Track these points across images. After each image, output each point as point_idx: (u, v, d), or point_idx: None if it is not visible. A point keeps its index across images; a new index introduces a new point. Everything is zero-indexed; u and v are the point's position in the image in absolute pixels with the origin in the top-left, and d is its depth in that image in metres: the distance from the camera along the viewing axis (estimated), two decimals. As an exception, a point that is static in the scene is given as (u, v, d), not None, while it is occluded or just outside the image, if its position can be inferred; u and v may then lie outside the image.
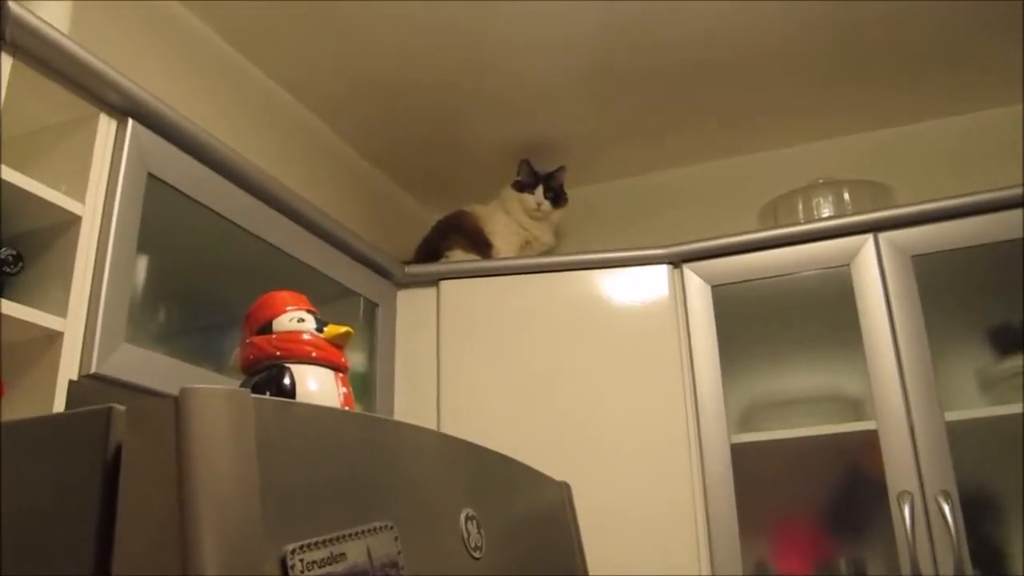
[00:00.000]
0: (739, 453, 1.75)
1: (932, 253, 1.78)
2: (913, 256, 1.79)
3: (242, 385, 1.10)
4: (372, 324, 1.94)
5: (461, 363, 1.92)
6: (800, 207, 1.98)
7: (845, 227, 1.84)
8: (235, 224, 1.57)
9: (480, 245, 2.18)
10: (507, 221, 2.22)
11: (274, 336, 1.10)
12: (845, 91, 2.18)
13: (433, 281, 2.00)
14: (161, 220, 1.44)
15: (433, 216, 2.38)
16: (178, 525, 0.60)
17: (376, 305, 1.95)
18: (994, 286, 1.85)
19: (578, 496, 1.35)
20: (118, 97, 1.34)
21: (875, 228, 1.83)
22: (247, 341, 1.12)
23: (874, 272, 1.81)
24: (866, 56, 2.06)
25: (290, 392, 1.05)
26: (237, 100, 1.96)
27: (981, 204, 1.78)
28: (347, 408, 1.08)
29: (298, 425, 0.76)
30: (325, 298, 1.80)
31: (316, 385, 1.07)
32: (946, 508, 1.62)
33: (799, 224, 1.89)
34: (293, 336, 1.09)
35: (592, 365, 1.86)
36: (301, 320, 1.11)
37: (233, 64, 1.96)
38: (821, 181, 2.04)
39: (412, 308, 1.99)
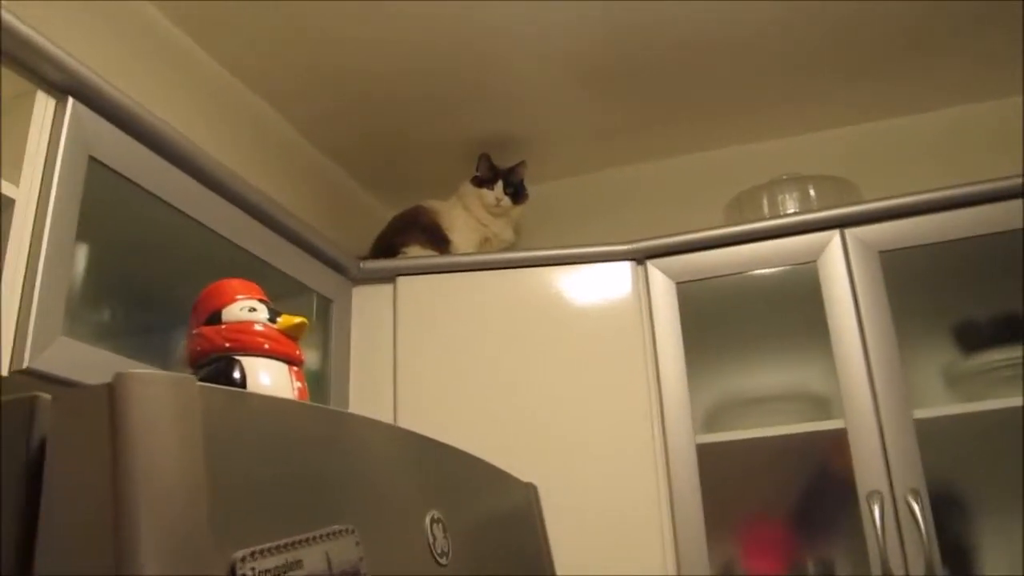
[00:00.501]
0: (705, 453, 1.71)
1: (899, 249, 1.76)
2: (880, 252, 1.76)
3: (189, 379, 1.01)
4: (326, 321, 1.87)
5: (418, 362, 1.86)
6: (765, 203, 1.95)
7: (812, 223, 1.81)
8: (183, 213, 1.48)
9: (438, 241, 2.12)
10: (466, 217, 2.16)
11: (223, 327, 1.02)
12: (811, 86, 2.16)
13: (390, 277, 1.94)
14: (103, 207, 1.34)
15: (390, 212, 2.32)
16: (111, 530, 0.51)
17: (330, 301, 1.87)
18: (959, 283, 1.83)
19: (542, 497, 1.32)
20: (57, 74, 1.25)
21: (842, 224, 1.80)
22: (194, 332, 1.03)
23: (841, 268, 1.78)
24: (832, 52, 2.03)
25: (240, 386, 0.97)
26: (185, 86, 1.87)
27: (949, 199, 1.76)
28: (303, 403, 0.98)
29: (251, 417, 0.67)
30: (278, 293, 1.68)
31: (269, 379, 0.99)
32: (916, 507, 1.59)
33: (765, 220, 1.85)
34: (244, 327, 1.01)
35: (554, 364, 1.82)
36: (252, 310, 1.03)
37: (182, 48, 1.87)
38: (785, 177, 2.00)
39: (368, 305, 1.92)
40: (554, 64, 2.04)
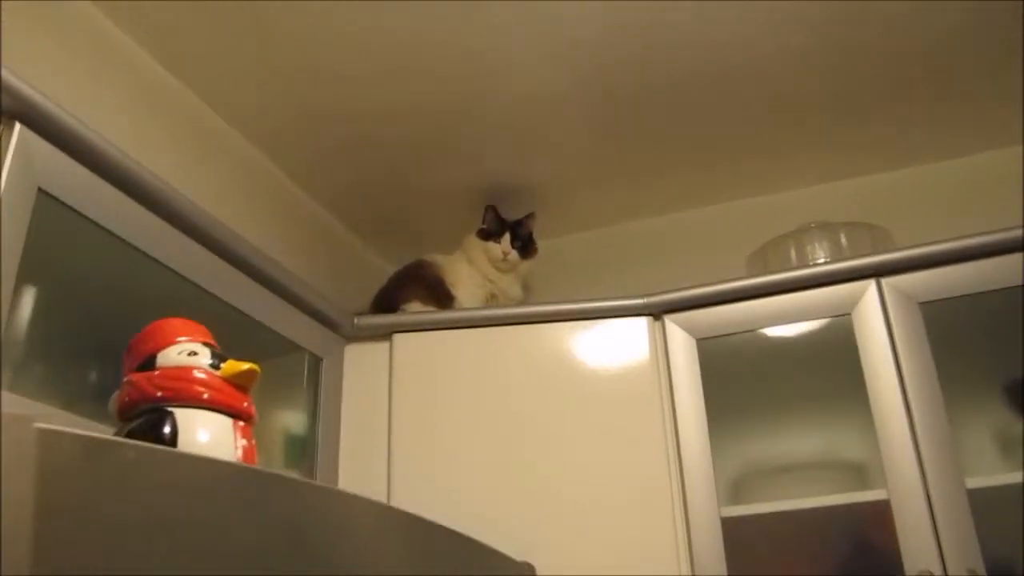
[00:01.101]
0: (731, 527, 1.58)
1: (942, 299, 1.62)
2: (921, 303, 1.62)
3: (116, 434, 0.84)
4: (316, 380, 1.75)
5: (416, 425, 1.76)
6: (793, 252, 1.83)
7: (845, 272, 1.68)
8: (151, 258, 1.34)
9: (441, 298, 1.99)
10: (471, 272, 2.06)
11: (156, 373, 0.84)
12: (836, 133, 2.04)
13: (386, 334, 1.83)
14: (54, 245, 1.19)
15: (390, 267, 2.21)
16: None
17: (320, 360, 1.76)
18: (1009, 336, 1.65)
19: None
20: (4, 97, 1.10)
21: (878, 272, 1.67)
22: (125, 380, 0.86)
23: (878, 321, 1.63)
24: (858, 98, 1.92)
25: (169, 443, 0.79)
26: (165, 125, 1.74)
27: (994, 245, 1.62)
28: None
29: (122, 473, 0.49)
30: (262, 351, 1.57)
31: (207, 435, 0.83)
32: None
33: (793, 270, 1.73)
34: (180, 373, 0.85)
35: (564, 428, 1.71)
36: (193, 354, 0.86)
37: (161, 85, 1.74)
38: (814, 225, 1.87)
39: (362, 363, 1.82)
40: (565, 107, 1.92)
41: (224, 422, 0.86)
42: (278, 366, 1.67)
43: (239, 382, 0.89)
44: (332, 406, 1.76)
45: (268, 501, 0.67)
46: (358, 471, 1.71)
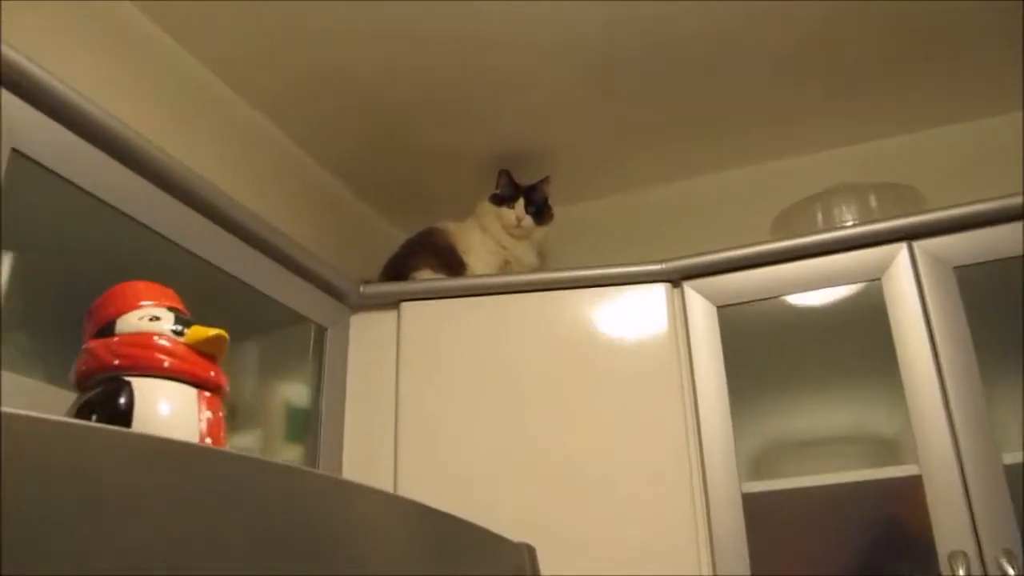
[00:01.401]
0: (752, 504, 1.52)
1: (977, 264, 1.53)
2: (955, 268, 1.54)
3: (72, 405, 0.77)
4: (320, 352, 1.69)
5: (424, 398, 1.70)
6: (820, 215, 1.76)
7: (874, 235, 1.60)
8: (140, 224, 1.27)
9: (452, 266, 1.95)
10: (483, 239, 2.01)
11: (115, 339, 0.77)
12: (862, 93, 1.95)
13: (393, 303, 1.77)
14: (32, 209, 1.12)
15: (401, 234, 2.15)
16: None
17: (325, 329, 1.70)
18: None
19: (563, 557, 1.22)
20: (-33, 51, 1.03)
21: (910, 235, 1.58)
22: (83, 347, 0.79)
23: (910, 287, 1.55)
24: (883, 55, 1.83)
25: (124, 414, 0.72)
26: (163, 89, 1.68)
27: None
28: (208, 441, 0.77)
29: (74, 456, 0.42)
30: (262, 322, 1.60)
31: (168, 407, 0.75)
32: (1011, 571, 1.32)
33: (819, 233, 1.65)
34: (140, 339, 0.78)
35: (578, 401, 1.66)
36: (155, 319, 0.78)
37: (157, 46, 1.68)
38: (841, 186, 1.80)
39: (368, 334, 1.76)
40: (584, 73, 1.86)
41: (187, 393, 0.79)
42: (281, 337, 1.65)
43: (205, 349, 0.81)
44: (337, 378, 1.70)
45: (228, 484, 0.60)
46: (363, 446, 1.66)
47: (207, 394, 0.81)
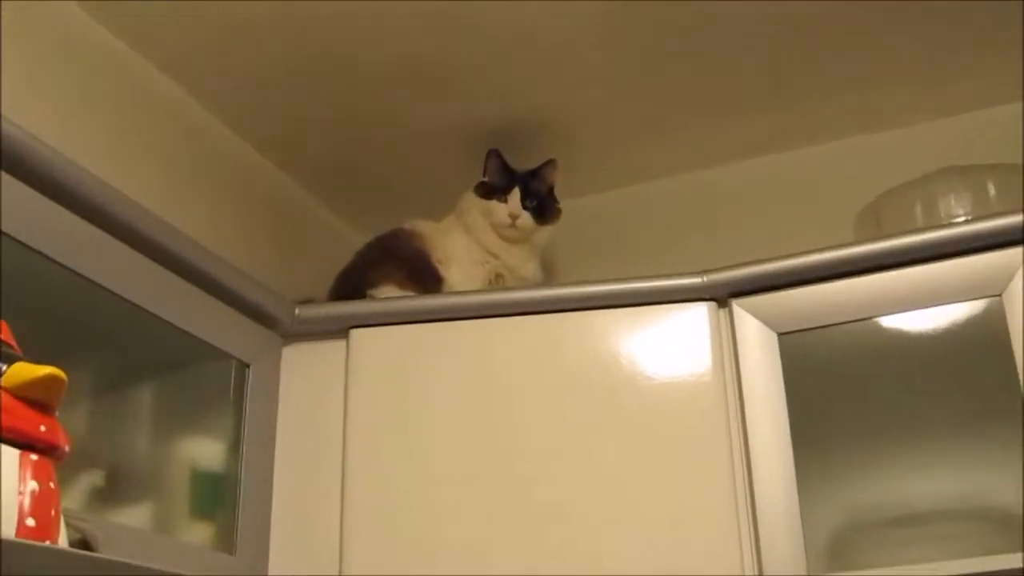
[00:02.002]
0: None
1: None
2: None
3: None
4: (240, 396, 1.67)
5: (382, 456, 1.67)
6: (918, 208, 1.76)
7: (994, 233, 1.56)
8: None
9: (425, 279, 1.95)
10: (467, 244, 2.01)
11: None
12: (971, 53, 1.93)
13: (342, 330, 1.75)
14: None
15: (359, 237, 2.16)
16: None
17: (247, 366, 1.67)
18: None
19: None
20: None
21: None
22: None
23: None
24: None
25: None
26: (53, 54, 1.66)
27: None
28: (30, 524, 0.74)
29: None
30: (162, 358, 1.59)
31: None
32: None
33: (918, 232, 1.62)
34: None
35: (590, 459, 1.64)
36: (-34, 355, 0.79)
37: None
38: (948, 169, 1.78)
39: (307, 371, 1.75)
40: (597, 18, 1.83)
41: (6, 456, 0.75)
42: (185, 377, 1.64)
43: (32, 395, 0.78)
44: (263, 432, 1.67)
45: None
46: (298, 521, 1.64)
47: (34, 457, 0.78)
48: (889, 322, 1.64)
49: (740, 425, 1.61)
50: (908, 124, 2.14)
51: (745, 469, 1.57)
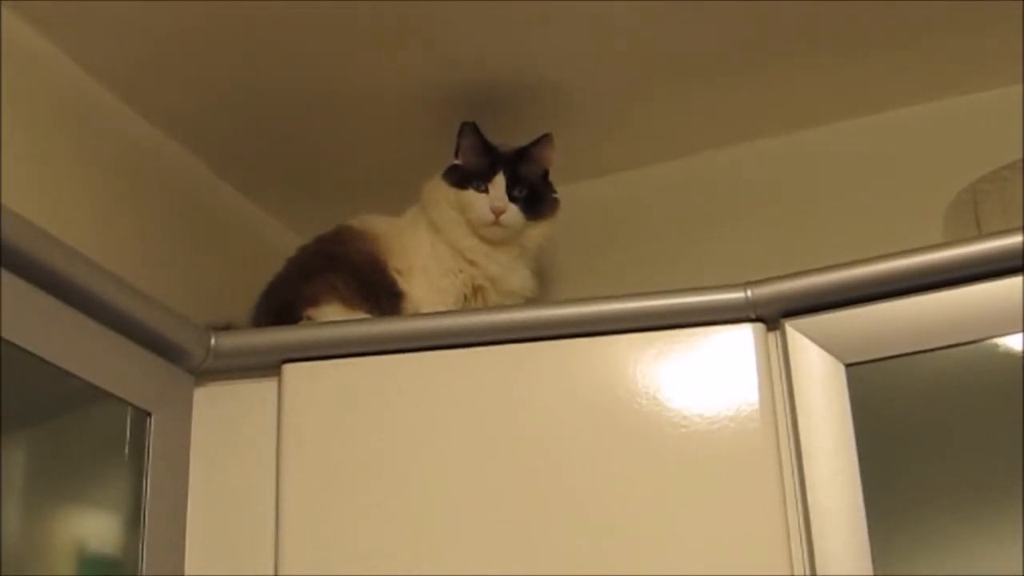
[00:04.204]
0: None
1: None
2: None
3: None
4: (139, 453, 1.65)
5: (324, 527, 1.67)
6: None
7: None
8: None
9: (379, 295, 1.97)
10: (435, 247, 2.03)
11: None
12: None
13: (270, 365, 1.75)
14: None
15: (293, 239, 2.19)
16: None
17: (147, 415, 1.66)
18: None
19: None
20: None
21: None
22: None
23: None
24: None
25: None
26: None
27: None
28: None
29: None
30: (35, 407, 1.58)
31: None
32: None
33: None
34: None
35: (605, 523, 1.64)
36: None
37: None
38: None
39: (226, 419, 1.76)
40: None
41: None
42: (67, 433, 1.62)
43: None
44: (170, 499, 1.66)
45: None
46: None
47: None
48: (991, 349, 1.62)
49: (797, 481, 1.59)
50: (1014, 82, 2.14)
51: (804, 538, 1.56)
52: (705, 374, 1.67)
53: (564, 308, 1.75)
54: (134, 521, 1.59)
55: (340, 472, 1.69)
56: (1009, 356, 1.64)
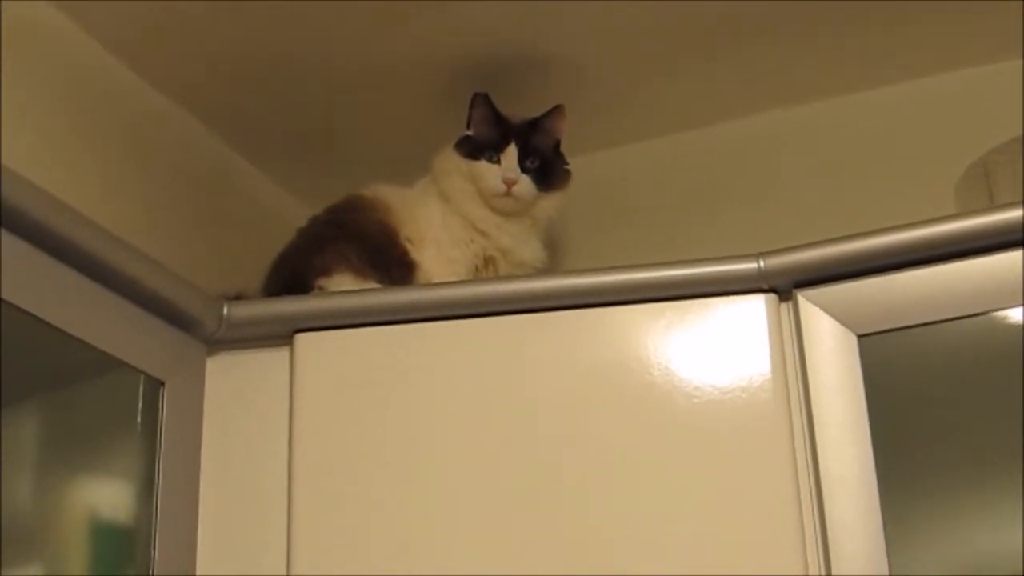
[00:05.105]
0: None
1: None
2: None
3: None
4: (152, 422, 1.65)
5: (337, 498, 1.68)
6: None
7: None
8: None
9: (391, 264, 1.97)
10: (446, 217, 2.02)
11: None
12: None
13: (284, 335, 1.74)
14: None
15: (305, 210, 2.17)
16: None
17: (160, 384, 1.66)
18: None
19: None
20: None
21: None
22: None
23: None
24: None
25: None
26: None
27: None
28: None
29: None
30: (47, 374, 1.58)
31: None
32: None
33: None
34: None
35: (616, 495, 1.64)
36: None
37: None
38: None
39: (238, 388, 1.75)
40: None
41: None
42: (81, 399, 1.62)
43: None
44: (183, 468, 1.66)
45: None
46: None
47: None
48: (1006, 319, 1.62)
49: (809, 451, 1.59)
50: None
51: (816, 512, 1.56)
52: (717, 345, 1.67)
53: (576, 278, 1.75)
54: (147, 490, 1.60)
55: (352, 441, 1.69)
56: (1021, 328, 1.65)
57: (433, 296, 1.78)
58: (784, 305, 1.67)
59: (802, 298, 1.65)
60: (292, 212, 2.25)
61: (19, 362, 1.47)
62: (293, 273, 1.94)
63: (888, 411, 1.59)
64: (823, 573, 1.54)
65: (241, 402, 1.73)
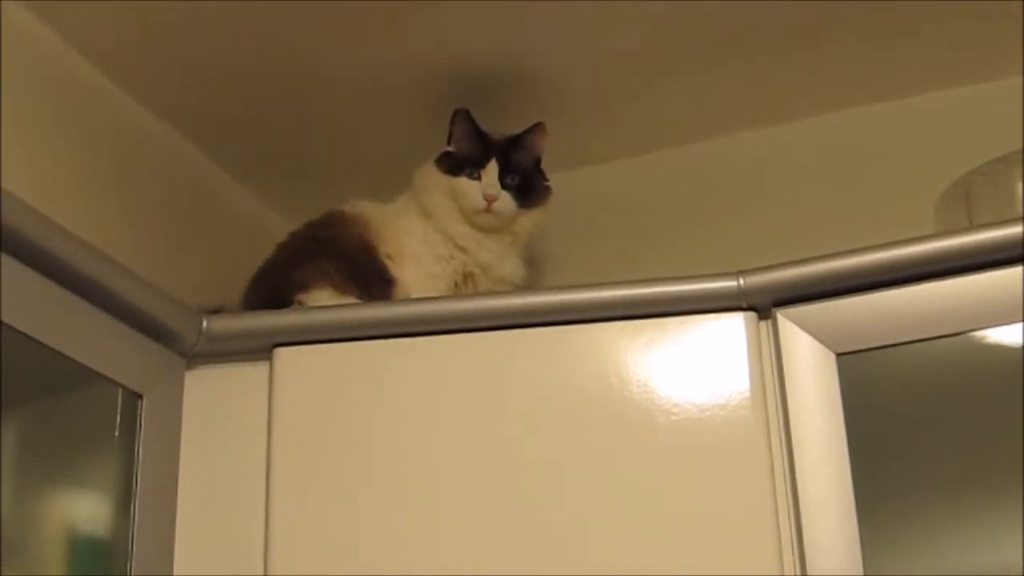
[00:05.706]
0: None
1: None
2: None
3: None
4: (130, 435, 1.64)
5: (315, 513, 1.67)
6: (1021, 188, 1.77)
7: None
8: None
9: (370, 280, 1.96)
10: (426, 233, 2.02)
11: None
12: None
13: (262, 348, 1.74)
14: None
15: (284, 224, 2.18)
16: None
17: (138, 397, 1.65)
18: None
19: None
20: None
21: None
22: None
23: None
24: None
25: None
26: None
27: None
28: None
29: None
30: (24, 388, 1.56)
31: None
32: None
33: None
34: None
35: (593, 512, 1.64)
36: None
37: None
38: None
39: (217, 402, 1.74)
40: None
41: None
42: (59, 414, 1.62)
43: None
44: (161, 481, 1.65)
45: None
46: None
47: None
48: (984, 339, 1.62)
49: (787, 469, 1.59)
50: (1009, 75, 2.14)
51: (793, 530, 1.56)
52: (696, 362, 1.66)
53: (556, 295, 1.75)
54: (125, 503, 1.58)
55: (330, 456, 1.68)
56: (999, 347, 1.65)
57: (412, 312, 1.77)
58: (763, 323, 1.67)
59: (781, 316, 1.65)
60: (273, 226, 2.25)
61: (14, 372, 1.46)
62: (273, 288, 1.93)
63: (866, 430, 1.59)
64: (800, 583, 1.56)
65: (220, 416, 1.72)
